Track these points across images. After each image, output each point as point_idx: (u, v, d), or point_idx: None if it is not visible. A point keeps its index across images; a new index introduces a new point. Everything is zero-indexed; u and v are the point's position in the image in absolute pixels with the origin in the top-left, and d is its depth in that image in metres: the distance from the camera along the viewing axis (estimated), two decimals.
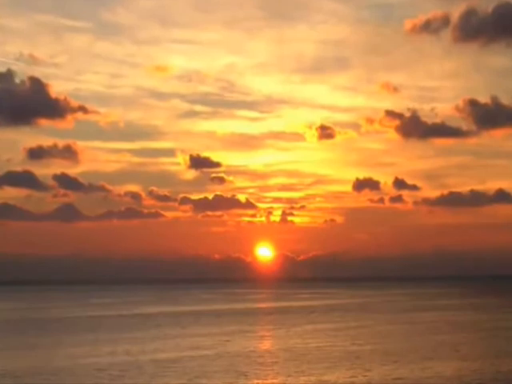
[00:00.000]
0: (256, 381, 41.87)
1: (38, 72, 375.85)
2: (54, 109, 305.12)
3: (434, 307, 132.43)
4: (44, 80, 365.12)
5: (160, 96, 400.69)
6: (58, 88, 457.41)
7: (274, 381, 42.14)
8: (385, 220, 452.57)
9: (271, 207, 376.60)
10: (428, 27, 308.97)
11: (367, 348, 60.11)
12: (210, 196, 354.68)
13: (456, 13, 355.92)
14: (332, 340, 68.22)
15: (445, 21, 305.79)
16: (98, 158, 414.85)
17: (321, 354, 55.48)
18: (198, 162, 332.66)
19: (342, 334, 75.79)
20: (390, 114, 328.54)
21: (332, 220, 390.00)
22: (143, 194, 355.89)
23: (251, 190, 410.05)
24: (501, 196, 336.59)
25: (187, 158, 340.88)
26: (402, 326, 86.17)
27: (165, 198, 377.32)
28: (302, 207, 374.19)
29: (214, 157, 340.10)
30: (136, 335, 75.53)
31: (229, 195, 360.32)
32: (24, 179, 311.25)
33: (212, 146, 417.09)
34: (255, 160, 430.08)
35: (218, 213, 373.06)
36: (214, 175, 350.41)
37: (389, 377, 42.34)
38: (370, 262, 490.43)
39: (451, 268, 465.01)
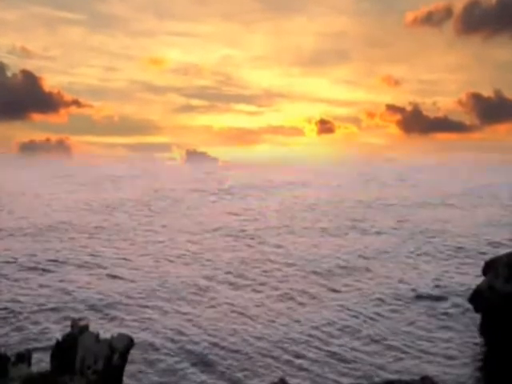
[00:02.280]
0: None
1: (30, 65, 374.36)
2: (47, 103, 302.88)
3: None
4: (37, 73, 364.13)
5: (155, 90, 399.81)
6: (51, 81, 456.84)
7: None
8: None
9: None
10: (430, 19, 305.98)
11: None
12: None
13: (459, 4, 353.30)
14: None
15: (447, 13, 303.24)
16: (91, 153, 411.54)
17: None
18: (194, 157, 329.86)
19: None
20: (391, 108, 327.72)
21: None
22: None
23: None
24: None
25: (183, 152, 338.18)
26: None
27: None
28: None
29: (211, 152, 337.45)
30: None
31: None
32: None
33: (209, 140, 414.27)
34: (253, 155, 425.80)
35: None
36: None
37: None
38: None
39: None
